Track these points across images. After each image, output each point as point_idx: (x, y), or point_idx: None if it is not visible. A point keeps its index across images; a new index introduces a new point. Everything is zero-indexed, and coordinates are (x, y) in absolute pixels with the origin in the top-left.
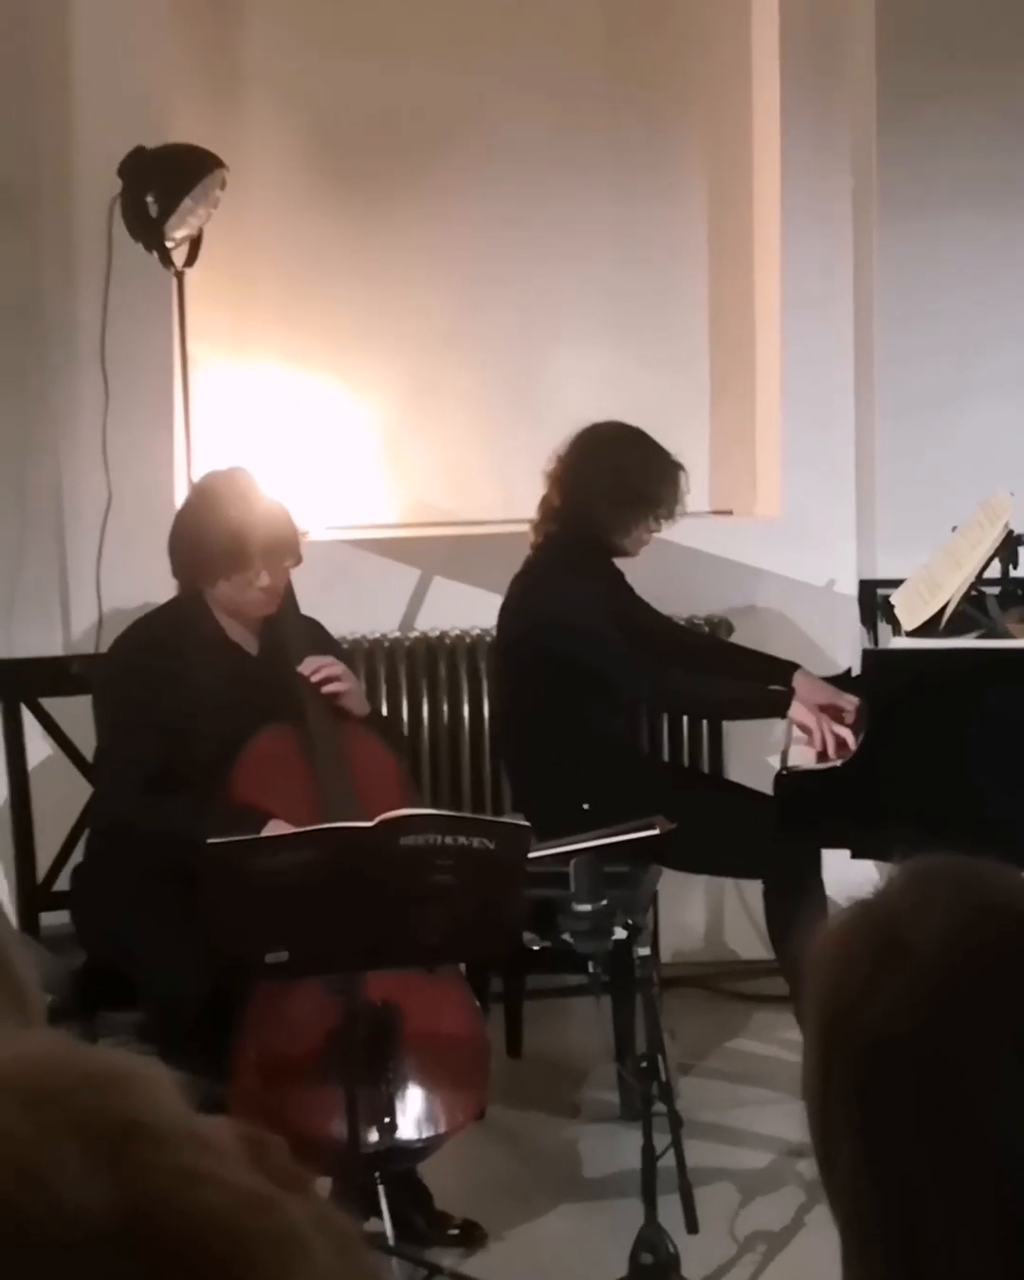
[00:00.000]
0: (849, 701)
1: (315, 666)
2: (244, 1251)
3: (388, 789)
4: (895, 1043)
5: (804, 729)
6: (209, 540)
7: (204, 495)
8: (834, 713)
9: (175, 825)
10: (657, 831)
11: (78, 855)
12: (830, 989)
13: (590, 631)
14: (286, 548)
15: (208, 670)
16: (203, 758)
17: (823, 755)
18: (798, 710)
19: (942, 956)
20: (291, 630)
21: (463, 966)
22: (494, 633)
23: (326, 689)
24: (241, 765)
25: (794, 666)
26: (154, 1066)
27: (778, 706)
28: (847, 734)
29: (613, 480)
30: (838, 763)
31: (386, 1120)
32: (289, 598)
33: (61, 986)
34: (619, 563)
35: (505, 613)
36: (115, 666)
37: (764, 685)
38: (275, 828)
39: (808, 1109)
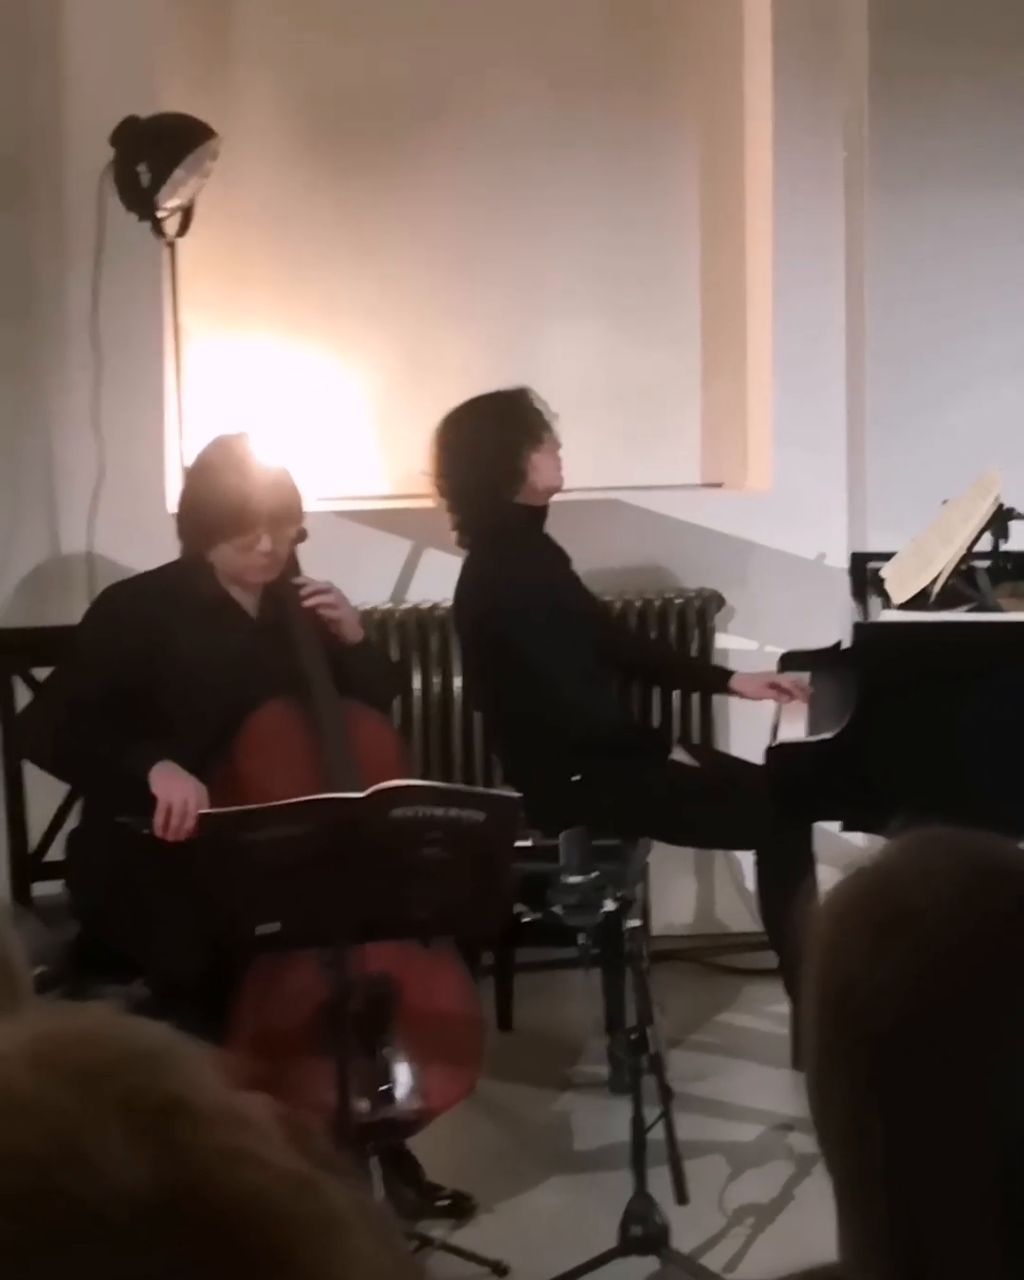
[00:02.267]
0: (793, 679)
1: (312, 589)
2: (285, 1232)
3: (389, 764)
4: (898, 1009)
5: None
6: (212, 502)
7: (210, 458)
8: (778, 689)
9: (73, 754)
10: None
11: (72, 823)
12: (831, 957)
13: (532, 639)
14: (289, 514)
15: (205, 629)
16: (201, 716)
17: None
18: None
19: (948, 923)
20: (293, 596)
21: (454, 940)
22: (454, 619)
23: (321, 611)
24: (246, 737)
25: (729, 673)
26: (196, 1044)
27: (663, 748)
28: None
29: (474, 439)
30: (828, 735)
31: (381, 1091)
32: (292, 567)
33: (55, 958)
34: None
35: (460, 605)
36: (97, 610)
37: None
38: (162, 770)
39: (807, 1077)
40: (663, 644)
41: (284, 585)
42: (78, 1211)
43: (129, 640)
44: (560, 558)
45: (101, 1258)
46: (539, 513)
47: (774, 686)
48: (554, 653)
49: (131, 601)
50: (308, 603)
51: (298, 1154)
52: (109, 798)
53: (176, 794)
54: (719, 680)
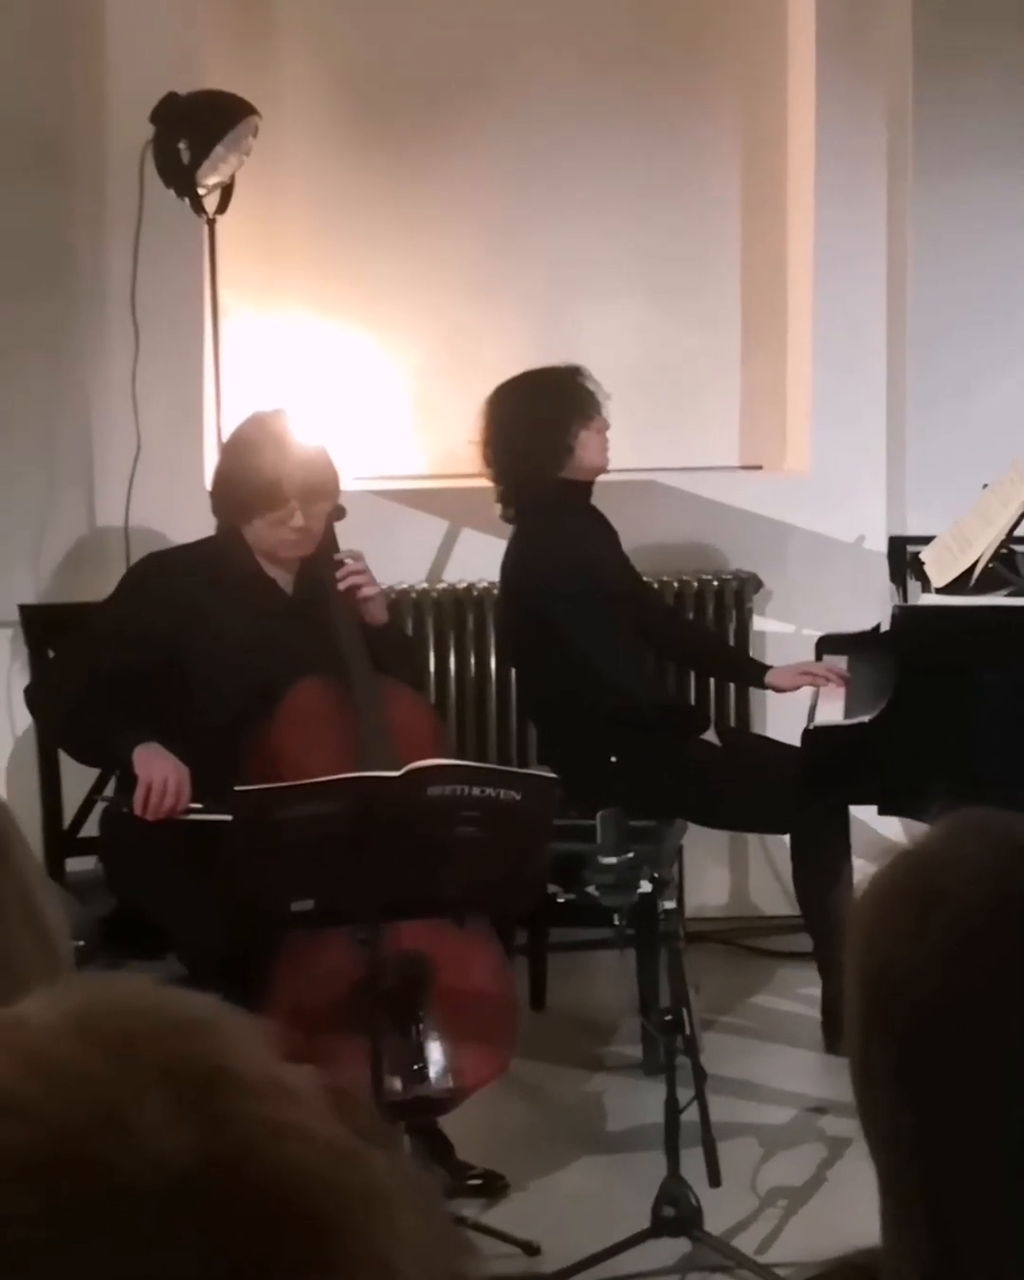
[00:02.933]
0: (829, 665)
1: (348, 569)
2: (328, 1204)
3: (424, 742)
4: (934, 990)
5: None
6: (245, 477)
7: (245, 433)
8: (812, 676)
9: (68, 720)
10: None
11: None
12: (870, 939)
13: (573, 619)
14: (323, 490)
15: (239, 604)
16: (230, 692)
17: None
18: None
19: (980, 903)
20: (327, 572)
21: (488, 919)
22: (499, 594)
23: (356, 589)
24: (283, 714)
25: (765, 668)
26: (240, 1015)
27: (701, 726)
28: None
29: (528, 413)
30: (865, 719)
31: (414, 1069)
32: (330, 544)
33: (88, 933)
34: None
35: (505, 578)
36: (130, 577)
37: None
38: (145, 750)
39: (850, 1059)
40: (703, 631)
41: (321, 561)
42: (117, 1180)
43: (159, 611)
44: (611, 535)
45: (141, 1227)
46: (584, 488)
47: (808, 674)
48: (591, 629)
49: (166, 573)
50: (342, 584)
51: (343, 1126)
52: (112, 774)
53: (157, 773)
54: (756, 674)
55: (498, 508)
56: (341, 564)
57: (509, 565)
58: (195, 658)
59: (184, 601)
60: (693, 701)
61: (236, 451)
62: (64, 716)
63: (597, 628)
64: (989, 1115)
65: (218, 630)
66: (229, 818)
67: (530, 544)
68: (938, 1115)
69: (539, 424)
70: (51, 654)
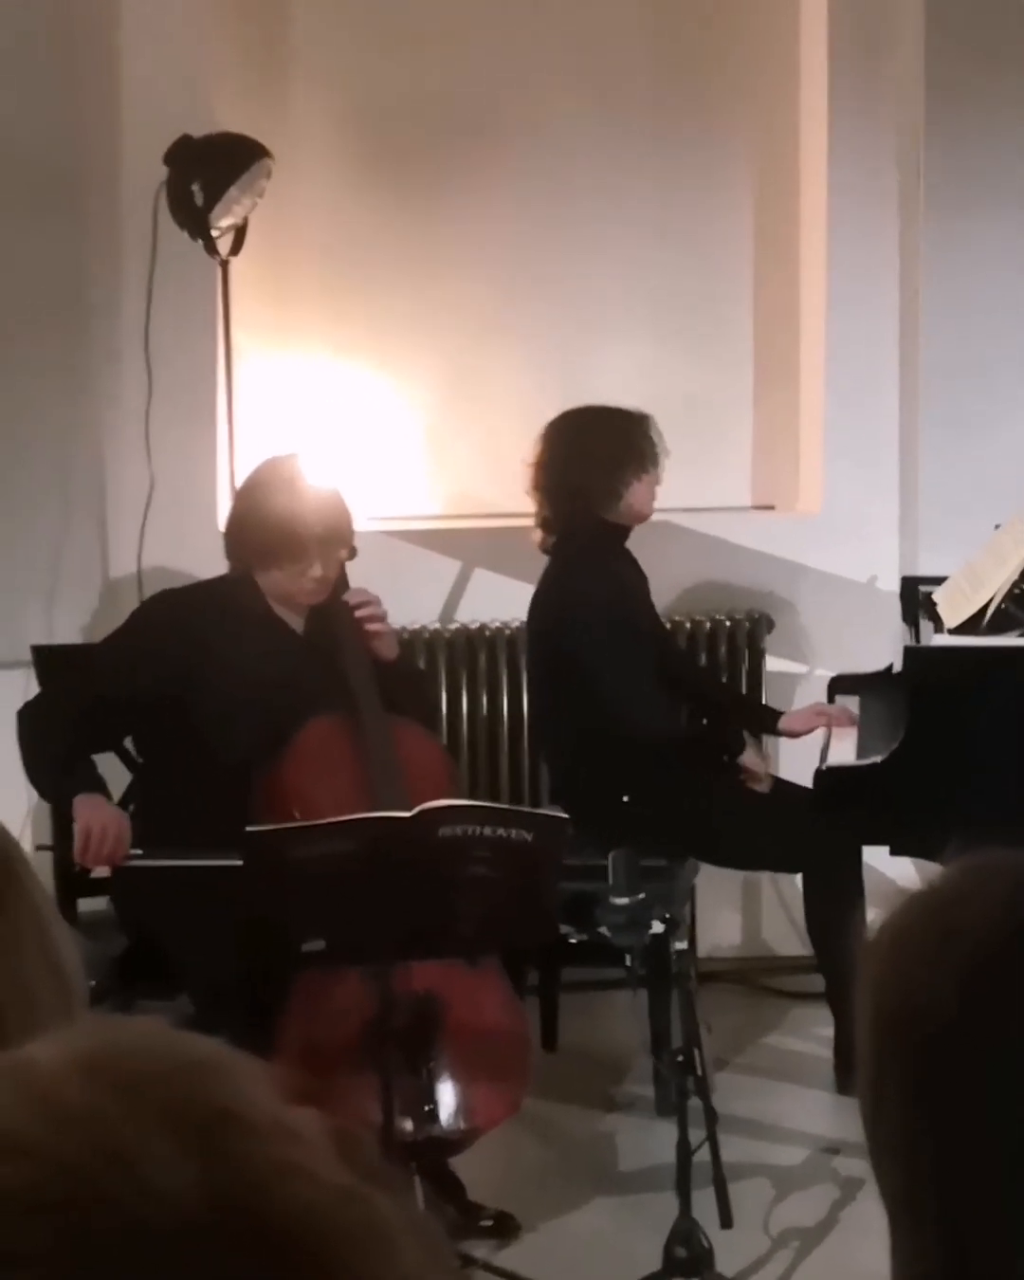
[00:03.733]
0: (839, 710)
1: (360, 599)
2: (332, 1245)
3: (436, 782)
4: (946, 1027)
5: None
6: (264, 528)
7: (262, 481)
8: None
9: (38, 745)
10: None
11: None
12: (884, 977)
13: (600, 653)
14: (341, 538)
15: (250, 644)
16: (241, 731)
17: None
18: (749, 759)
19: (996, 936)
20: (340, 613)
21: (500, 959)
22: (527, 627)
23: (366, 622)
24: (293, 752)
25: (778, 714)
26: (245, 1057)
27: (735, 748)
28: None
29: (590, 453)
30: (878, 760)
31: (426, 1109)
32: (341, 583)
33: (101, 972)
34: (640, 547)
35: (535, 617)
36: (141, 613)
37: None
38: (85, 799)
39: (860, 1095)
40: (716, 679)
41: (332, 601)
42: (124, 1222)
43: (167, 647)
44: (642, 581)
45: (148, 1267)
46: (623, 532)
47: (822, 714)
48: (622, 664)
49: (176, 609)
50: (359, 613)
51: (347, 1167)
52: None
53: (95, 820)
54: (770, 720)
55: (535, 535)
56: (351, 605)
57: (541, 599)
58: (204, 696)
59: (194, 639)
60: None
61: (254, 500)
62: (35, 747)
63: (628, 663)
64: (1007, 1148)
65: (228, 669)
66: (173, 863)
67: (566, 579)
68: (954, 1149)
69: (598, 463)
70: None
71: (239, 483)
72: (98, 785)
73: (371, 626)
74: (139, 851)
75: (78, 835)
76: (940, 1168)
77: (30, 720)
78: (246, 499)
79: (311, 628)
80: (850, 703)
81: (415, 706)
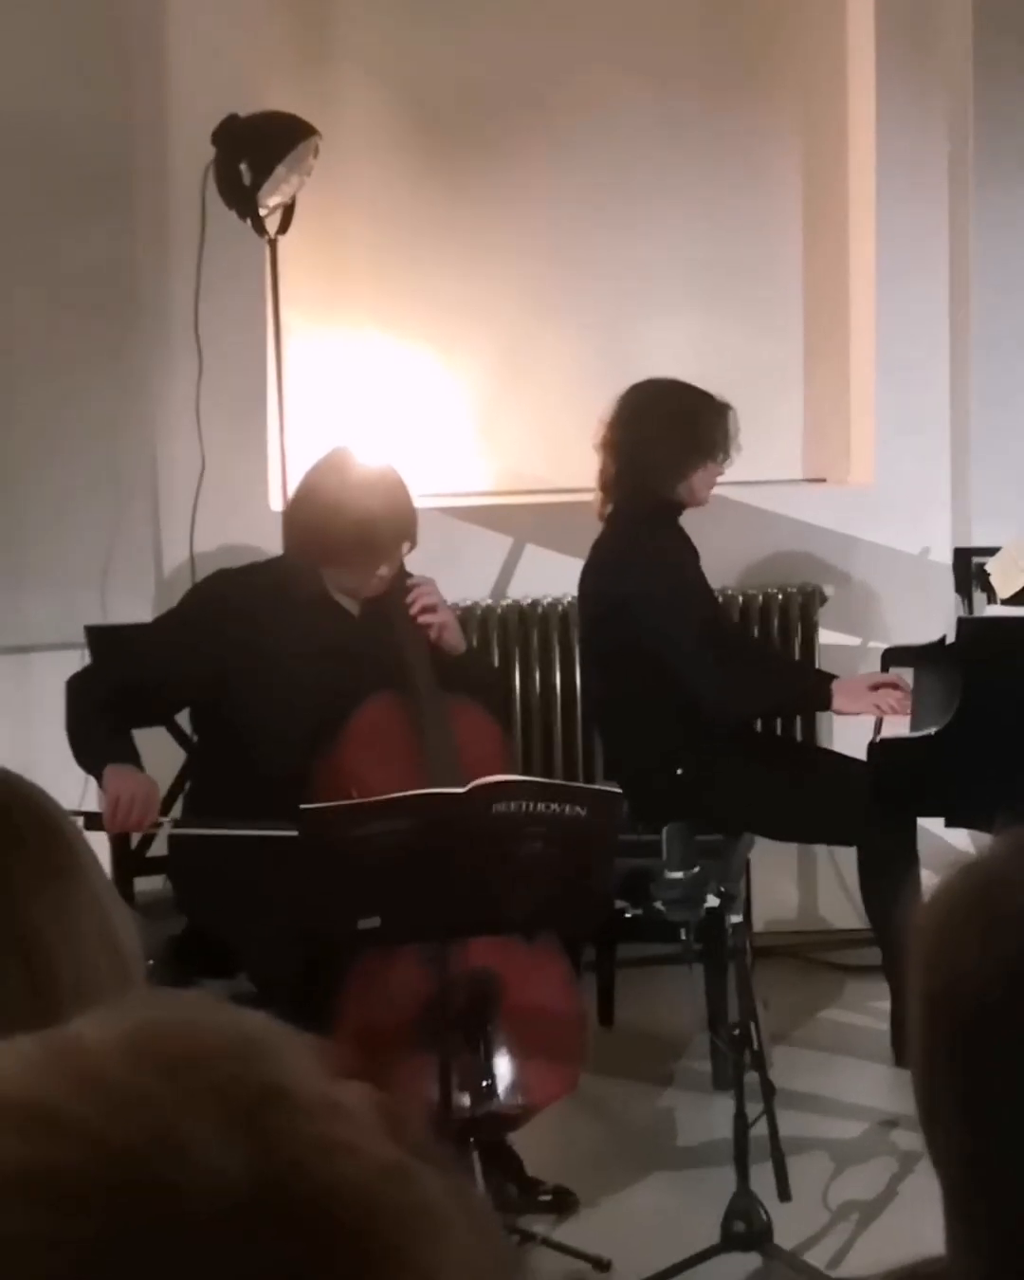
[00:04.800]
0: (893, 677)
1: (414, 596)
2: (381, 1223)
3: (491, 760)
4: (997, 1005)
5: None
6: (336, 530)
7: (333, 481)
8: (878, 688)
9: (76, 712)
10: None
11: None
12: (933, 954)
13: (669, 621)
14: (409, 535)
15: (305, 625)
16: (295, 711)
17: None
18: (841, 702)
19: None
20: (396, 598)
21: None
22: (580, 598)
23: (422, 618)
24: (350, 732)
25: (832, 676)
26: (294, 1033)
27: (823, 702)
28: (897, 698)
29: (667, 430)
30: (932, 730)
31: (484, 1086)
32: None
33: (158, 953)
34: (692, 522)
35: (588, 585)
36: (199, 590)
37: (806, 683)
38: (116, 770)
39: (913, 1072)
40: (773, 649)
41: (393, 588)
42: (172, 1201)
43: (218, 627)
44: (694, 555)
45: (196, 1248)
46: (678, 508)
47: (876, 701)
48: (688, 629)
49: (232, 590)
50: (415, 614)
51: (395, 1144)
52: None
53: (123, 788)
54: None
55: (595, 496)
56: (411, 588)
57: (597, 568)
58: (256, 676)
59: (246, 618)
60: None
61: (325, 500)
62: (77, 717)
63: (694, 629)
64: None
65: (281, 649)
66: (199, 833)
67: (626, 548)
68: (1002, 1131)
69: (671, 442)
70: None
71: (301, 471)
72: (129, 756)
73: (434, 615)
74: (164, 820)
75: (107, 803)
76: (992, 1144)
77: (75, 692)
78: (317, 497)
79: (367, 610)
80: (904, 674)
81: (478, 694)
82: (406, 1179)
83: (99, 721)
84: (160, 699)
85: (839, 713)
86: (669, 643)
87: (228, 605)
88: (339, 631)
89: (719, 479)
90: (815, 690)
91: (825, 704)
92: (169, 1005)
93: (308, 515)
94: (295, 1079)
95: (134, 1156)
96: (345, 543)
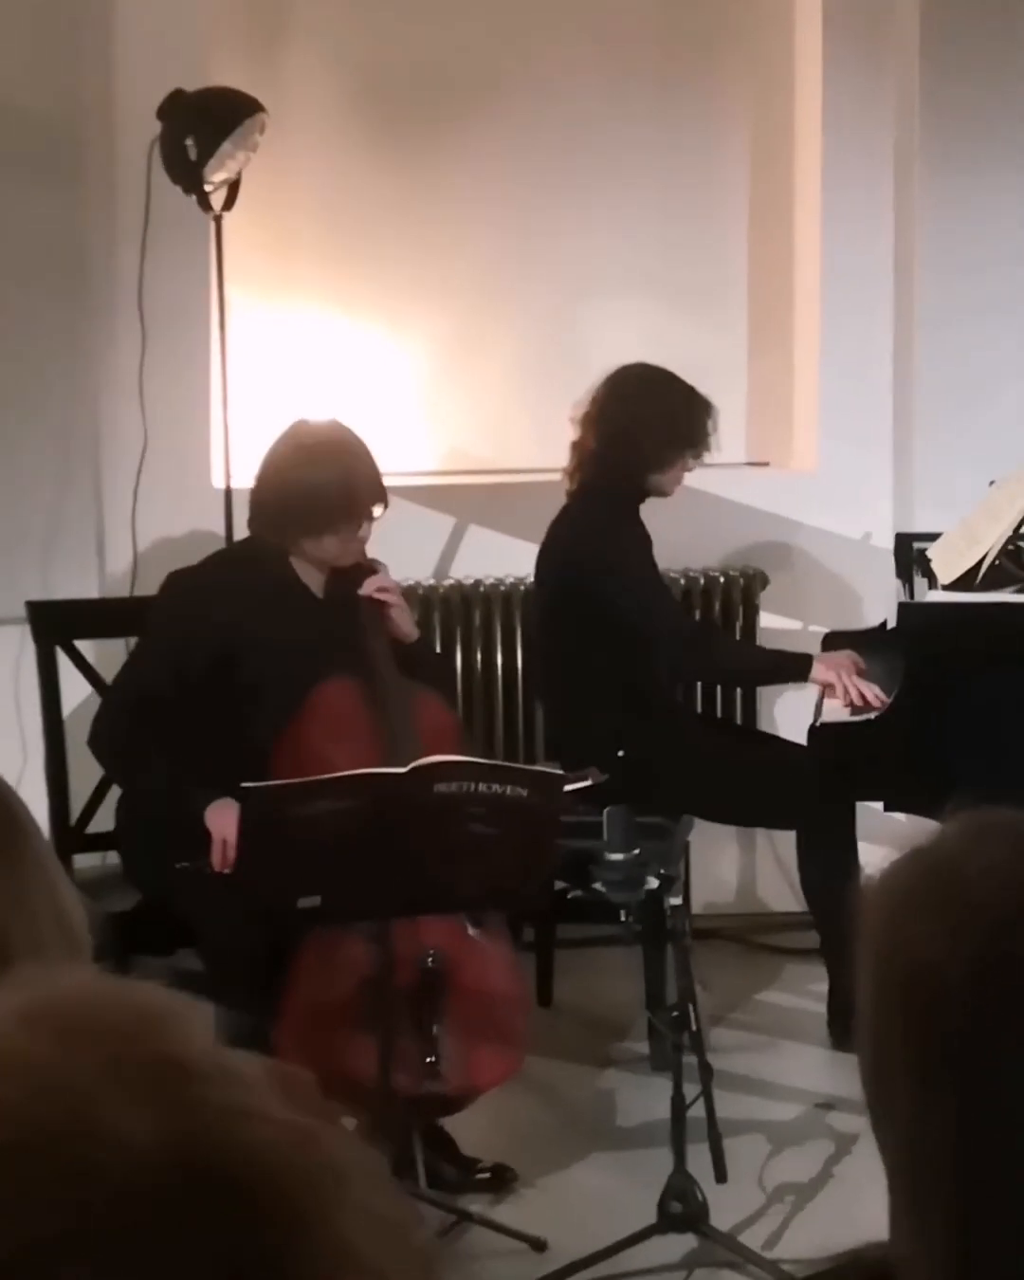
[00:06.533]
0: (854, 658)
1: (376, 584)
2: (292, 1184)
3: (449, 746)
4: (959, 992)
5: (828, 686)
6: (323, 496)
7: (314, 450)
8: (858, 668)
9: (135, 773)
10: (589, 782)
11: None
12: (883, 938)
13: (637, 583)
14: (384, 492)
15: (274, 610)
16: (276, 696)
17: (858, 708)
18: (819, 671)
19: (993, 896)
20: (357, 579)
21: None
22: (532, 578)
23: (380, 597)
24: (308, 714)
25: (809, 658)
26: (188, 1003)
27: (800, 671)
28: (872, 689)
29: (652, 418)
30: (872, 715)
31: (429, 1065)
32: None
33: (98, 930)
34: (655, 505)
35: (545, 557)
36: (163, 599)
37: (784, 652)
38: (218, 808)
39: (862, 1058)
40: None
41: (355, 568)
42: (84, 1165)
43: (198, 626)
44: (649, 543)
45: (107, 1213)
46: (642, 495)
47: (845, 684)
48: (667, 592)
49: (197, 588)
50: (368, 590)
51: (292, 1107)
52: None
53: (229, 829)
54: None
55: (568, 466)
56: (370, 570)
57: (559, 544)
58: (241, 666)
59: (223, 611)
60: (692, 698)
61: (298, 469)
62: (132, 779)
63: (667, 592)
64: (1011, 1105)
65: (262, 640)
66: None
67: (593, 525)
68: (974, 1125)
69: (656, 430)
70: (62, 658)
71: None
72: (215, 791)
73: (384, 597)
74: None
75: (215, 846)
76: (959, 1137)
77: (111, 754)
78: (291, 470)
79: (331, 592)
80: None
81: (431, 682)
82: (309, 1141)
83: (162, 767)
84: (175, 714)
85: (817, 681)
86: (639, 604)
87: (197, 612)
88: (307, 614)
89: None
90: (795, 658)
91: (803, 673)
92: (60, 980)
93: (284, 487)
94: (193, 1048)
95: (36, 1125)
96: (330, 506)
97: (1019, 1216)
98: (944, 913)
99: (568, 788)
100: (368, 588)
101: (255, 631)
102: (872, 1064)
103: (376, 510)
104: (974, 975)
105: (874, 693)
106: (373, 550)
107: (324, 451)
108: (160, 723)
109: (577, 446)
